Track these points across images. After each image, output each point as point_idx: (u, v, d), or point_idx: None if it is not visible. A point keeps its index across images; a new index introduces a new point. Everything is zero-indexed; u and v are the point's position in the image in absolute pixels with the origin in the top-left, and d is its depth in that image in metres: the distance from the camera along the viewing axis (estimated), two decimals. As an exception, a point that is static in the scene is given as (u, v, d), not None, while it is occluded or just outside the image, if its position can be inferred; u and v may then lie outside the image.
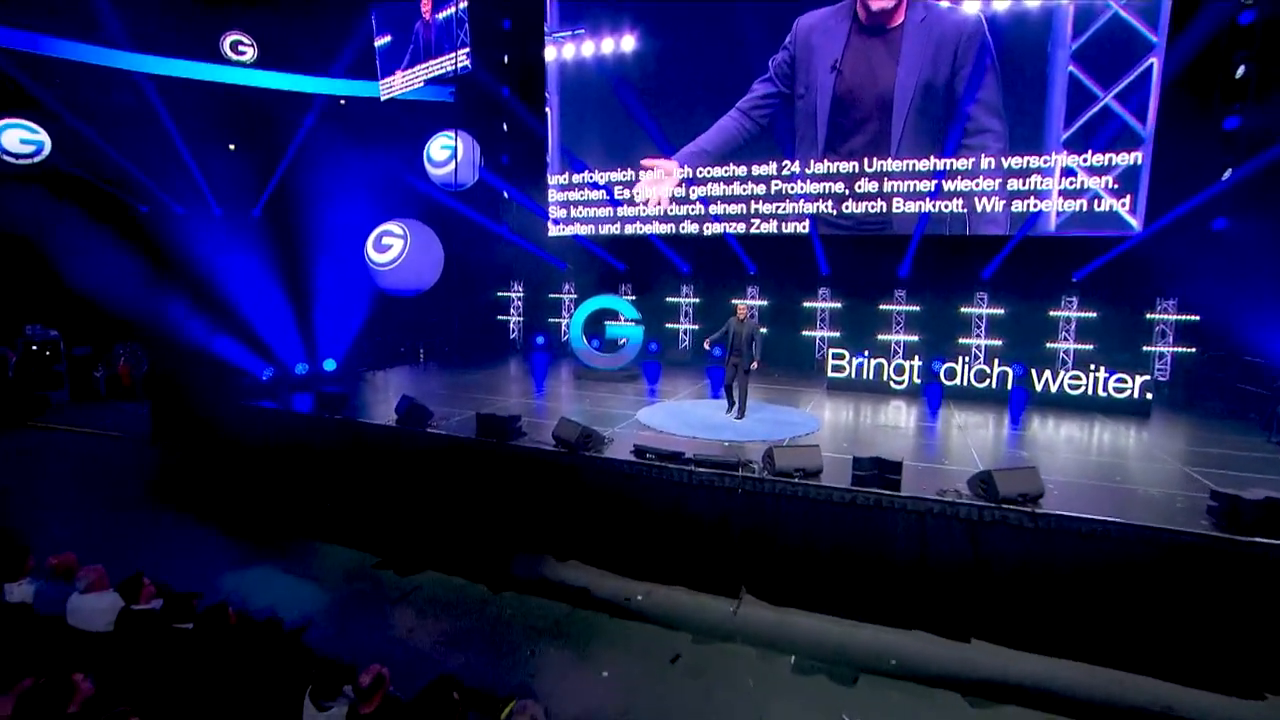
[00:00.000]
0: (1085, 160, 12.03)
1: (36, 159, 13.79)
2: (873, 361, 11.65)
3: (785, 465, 6.82)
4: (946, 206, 13.05)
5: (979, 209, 12.85)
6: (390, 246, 15.74)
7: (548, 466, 7.77)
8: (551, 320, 17.04)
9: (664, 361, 15.32)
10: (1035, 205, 12.43)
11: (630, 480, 7.38)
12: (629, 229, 15.69)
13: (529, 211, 16.60)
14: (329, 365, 11.44)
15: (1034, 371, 10.71)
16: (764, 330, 14.68)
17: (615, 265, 16.10)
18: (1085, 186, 12.09)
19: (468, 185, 16.46)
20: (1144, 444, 8.59)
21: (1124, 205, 11.96)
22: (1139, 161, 11.80)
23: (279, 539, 8.23)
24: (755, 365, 9.07)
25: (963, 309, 13.26)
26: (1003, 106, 12.52)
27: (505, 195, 17.02)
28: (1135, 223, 11.88)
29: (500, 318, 17.55)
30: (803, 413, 10.09)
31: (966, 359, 11.48)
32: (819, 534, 6.63)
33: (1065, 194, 12.29)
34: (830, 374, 11.94)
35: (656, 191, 15.30)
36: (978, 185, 12.84)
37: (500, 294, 17.49)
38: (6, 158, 13.38)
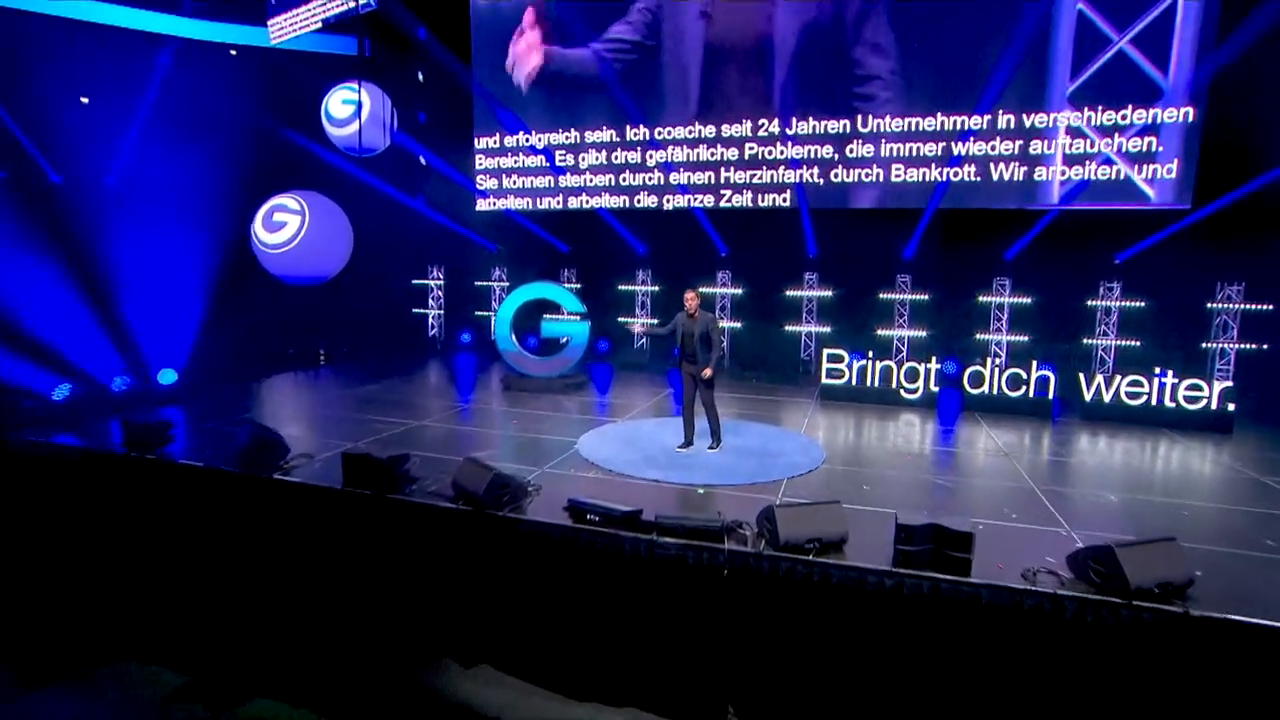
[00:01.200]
0: (1124, 118, 10.34)
1: None
2: (878, 365, 9.74)
3: (794, 534, 4.80)
4: (956, 175, 11.26)
5: (994, 176, 11.11)
6: (284, 225, 13.42)
7: (445, 531, 5.60)
8: (480, 314, 14.74)
9: (617, 364, 13.20)
10: (1066, 174, 10.72)
11: (565, 551, 5.26)
12: (573, 202, 13.54)
13: (452, 182, 14.26)
14: (166, 377, 8.95)
15: (1082, 376, 8.93)
16: (735, 325, 12.77)
17: (557, 246, 13.92)
18: (1097, 150, 10.46)
19: (378, 150, 14.06)
20: (1263, 479, 6.83)
21: (1169, 171, 10.33)
22: (1189, 118, 10.16)
23: (47, 653, 5.84)
24: (709, 372, 6.99)
25: (981, 298, 11.48)
26: (895, 47, 11.25)
27: (422, 161, 14.63)
28: (1151, 192, 10.33)
29: (416, 311, 15.14)
30: (797, 436, 8.11)
31: (993, 360, 9.65)
32: (845, 636, 4.64)
33: (1070, 159, 10.65)
34: (825, 380, 10.00)
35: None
36: (993, 149, 11.07)
37: (416, 282, 15.08)
38: None
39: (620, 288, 13.70)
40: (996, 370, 9.22)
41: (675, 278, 13.23)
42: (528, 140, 13.74)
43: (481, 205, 14.30)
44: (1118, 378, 8.68)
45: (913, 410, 9.51)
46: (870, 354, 9.89)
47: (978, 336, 11.45)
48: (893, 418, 9.17)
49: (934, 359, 9.52)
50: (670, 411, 9.20)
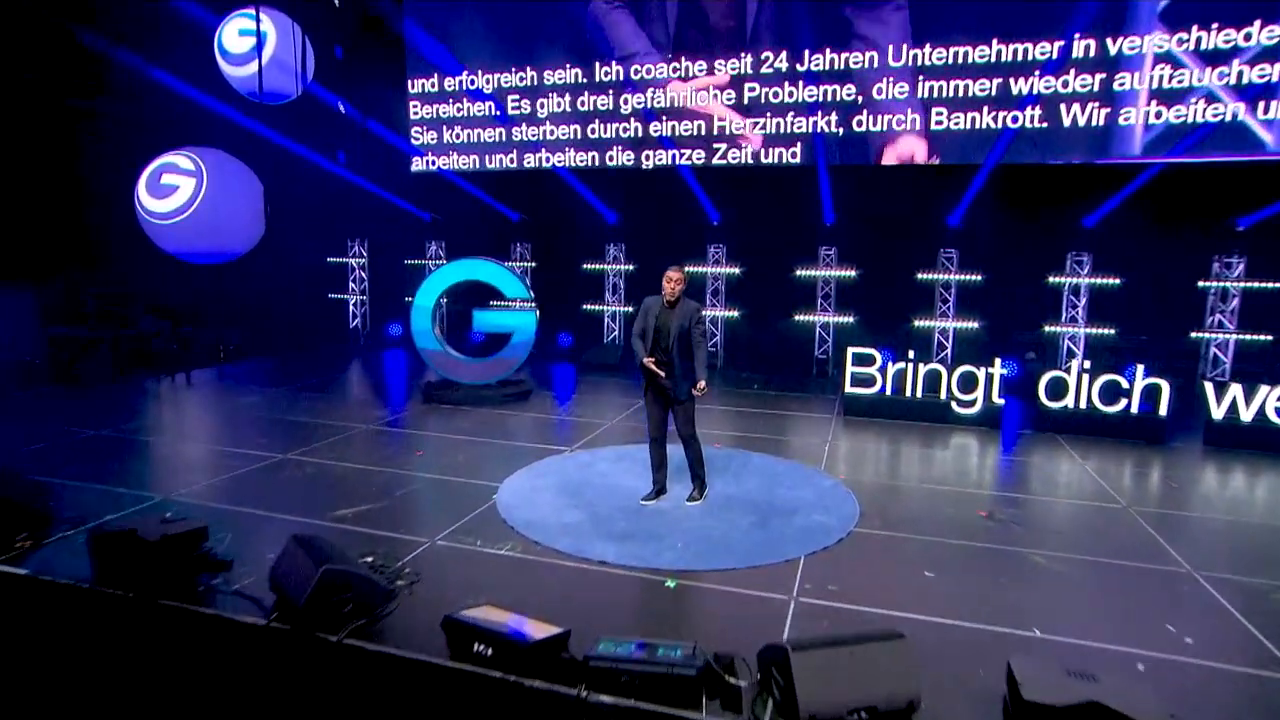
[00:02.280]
0: (1246, 39, 8.40)
1: None
2: (921, 368, 7.78)
3: (825, 701, 2.89)
4: (1017, 120, 9.31)
5: (1067, 122, 9.16)
6: (175, 189, 11.60)
7: (251, 661, 3.65)
8: (412, 300, 12.69)
9: (581, 365, 11.20)
10: (1163, 115, 8.80)
11: (439, 701, 3.34)
12: (530, 160, 11.53)
13: (378, 138, 12.22)
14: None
15: (1210, 387, 6.97)
16: (730, 315, 10.77)
17: (506, 215, 11.91)
18: (1205, 82, 8.59)
19: (290, 96, 12.01)
20: None
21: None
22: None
23: None
24: (703, 386, 5.09)
25: (1051, 279, 9.54)
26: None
27: (340, 109, 12.55)
28: (1268, 137, 8.41)
29: (334, 296, 13.07)
30: (816, 474, 6.15)
31: (1079, 364, 7.70)
32: None
33: (1166, 97, 8.74)
34: (849, 389, 8.04)
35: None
36: (1065, 86, 9.13)
37: (332, 260, 13.02)
38: None
39: (586, 266, 11.69)
40: (1086, 378, 7.25)
41: (655, 254, 11.23)
42: (473, 83, 11.71)
43: (417, 165, 12.29)
44: (1263, 389, 6.72)
45: (968, 430, 7.57)
46: (910, 354, 7.92)
47: (1046, 329, 9.51)
48: (941, 442, 7.22)
49: (998, 363, 7.55)
50: (643, 436, 7.22)
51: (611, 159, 11.25)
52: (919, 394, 7.79)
